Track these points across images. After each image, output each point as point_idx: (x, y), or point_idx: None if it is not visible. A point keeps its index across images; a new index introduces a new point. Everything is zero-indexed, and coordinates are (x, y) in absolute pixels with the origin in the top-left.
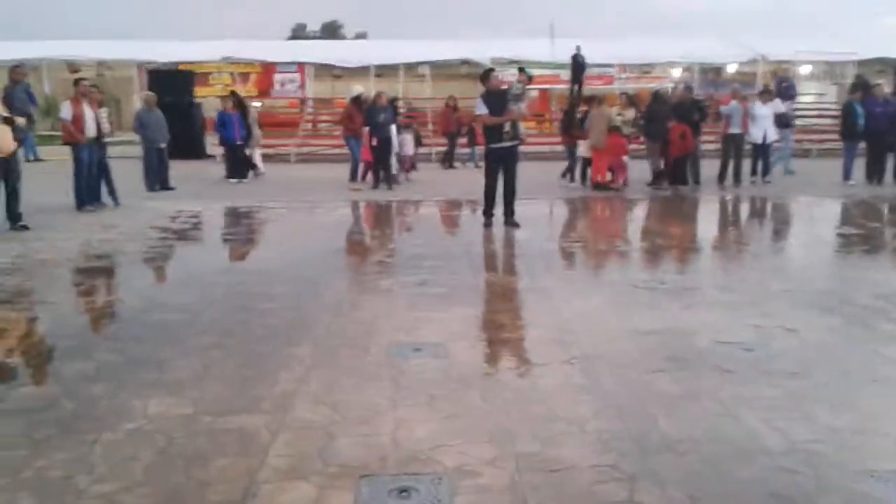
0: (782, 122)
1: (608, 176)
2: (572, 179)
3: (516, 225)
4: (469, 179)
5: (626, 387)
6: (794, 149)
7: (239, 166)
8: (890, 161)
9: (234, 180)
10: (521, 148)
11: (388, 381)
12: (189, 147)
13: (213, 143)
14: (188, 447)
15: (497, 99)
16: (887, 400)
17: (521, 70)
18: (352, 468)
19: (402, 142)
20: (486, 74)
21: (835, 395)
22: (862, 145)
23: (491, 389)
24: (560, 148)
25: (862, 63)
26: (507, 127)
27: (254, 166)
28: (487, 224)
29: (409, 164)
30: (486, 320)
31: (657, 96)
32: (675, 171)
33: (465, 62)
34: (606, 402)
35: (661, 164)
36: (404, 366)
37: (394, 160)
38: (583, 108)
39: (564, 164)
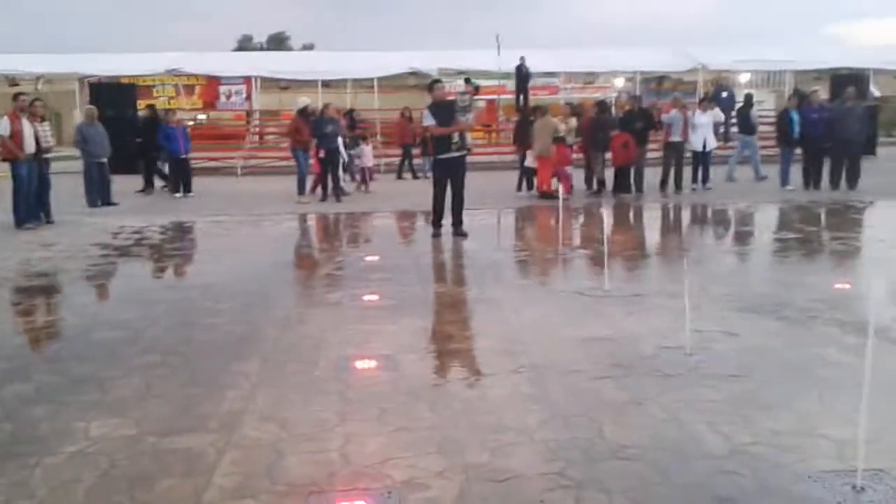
0: (747, 128)
1: (553, 185)
2: (519, 189)
3: (464, 234)
4: (421, 190)
5: (573, 395)
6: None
7: (185, 180)
8: (826, 166)
9: (179, 194)
10: (470, 158)
11: (336, 395)
12: (132, 161)
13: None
14: (132, 469)
15: (444, 110)
16: (825, 402)
17: (468, 81)
18: (300, 486)
19: (361, 153)
20: (431, 85)
21: (774, 397)
22: (799, 151)
23: (440, 401)
24: (510, 157)
25: (799, 71)
26: (455, 137)
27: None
28: (436, 234)
29: (368, 176)
30: (434, 331)
31: (602, 106)
32: (618, 180)
33: (413, 73)
34: (554, 411)
35: (604, 174)
36: (353, 380)
37: (340, 172)
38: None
39: (516, 174)
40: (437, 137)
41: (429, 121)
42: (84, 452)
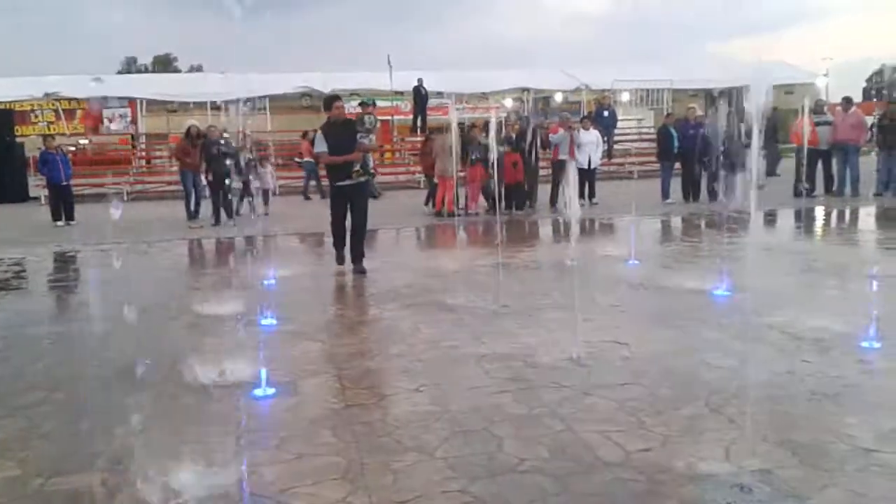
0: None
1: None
2: (426, 204)
3: (363, 271)
4: (320, 211)
5: (472, 411)
6: (618, 171)
7: (67, 208)
8: (703, 180)
9: (61, 223)
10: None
11: (234, 424)
12: (10, 189)
13: (35, 185)
14: None
15: (341, 130)
16: (711, 405)
17: (367, 102)
18: None
19: (263, 175)
20: (329, 102)
21: (664, 403)
22: (678, 165)
23: (341, 425)
24: (405, 178)
25: (677, 89)
26: (357, 165)
27: None
28: (340, 260)
29: (268, 198)
30: (334, 354)
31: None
32: (509, 198)
33: (307, 94)
34: (454, 428)
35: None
36: (252, 407)
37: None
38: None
39: (423, 193)
40: (333, 164)
41: (320, 147)
42: None
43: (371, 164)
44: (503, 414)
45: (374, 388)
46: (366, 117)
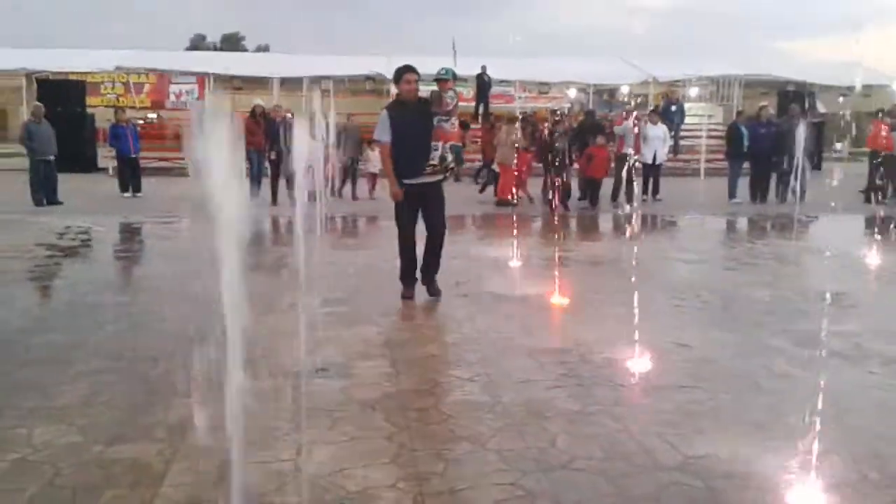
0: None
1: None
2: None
3: (438, 293)
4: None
5: (525, 404)
6: (684, 168)
7: (134, 180)
8: (773, 180)
9: (128, 194)
10: None
11: (288, 403)
12: (80, 160)
13: (104, 156)
14: (77, 478)
15: (412, 113)
16: (773, 411)
17: (445, 77)
18: (251, 496)
19: (368, 158)
20: (399, 74)
21: (724, 408)
22: (746, 165)
23: (394, 410)
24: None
25: (747, 85)
26: (436, 155)
27: None
28: (407, 294)
29: (374, 182)
30: (388, 338)
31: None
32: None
33: (370, 78)
34: (507, 420)
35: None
36: (305, 388)
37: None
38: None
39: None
40: (401, 154)
41: (382, 133)
42: (27, 460)
43: (449, 158)
44: (556, 409)
45: (427, 374)
46: (445, 94)
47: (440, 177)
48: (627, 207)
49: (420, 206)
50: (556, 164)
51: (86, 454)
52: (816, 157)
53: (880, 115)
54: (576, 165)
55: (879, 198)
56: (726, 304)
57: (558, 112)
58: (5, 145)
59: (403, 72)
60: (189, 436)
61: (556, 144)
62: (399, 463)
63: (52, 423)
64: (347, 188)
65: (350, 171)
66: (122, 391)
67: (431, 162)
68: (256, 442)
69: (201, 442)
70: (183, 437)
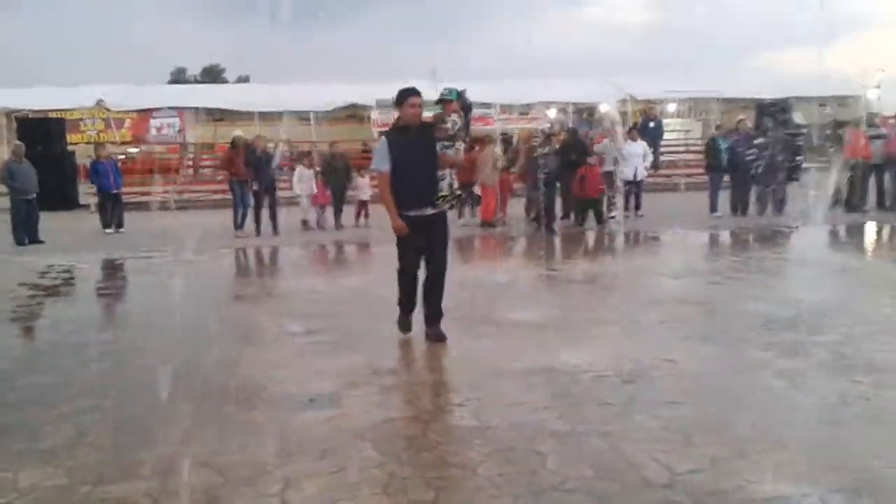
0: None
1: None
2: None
3: (443, 338)
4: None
5: (515, 427)
6: (664, 183)
7: (116, 216)
8: (752, 193)
9: (111, 230)
10: None
11: (275, 437)
12: (61, 197)
13: (85, 192)
14: None
15: (415, 139)
16: (760, 425)
17: (448, 98)
18: None
19: (358, 185)
20: (402, 96)
21: (711, 423)
22: (726, 178)
23: (383, 439)
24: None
25: (725, 100)
26: (444, 185)
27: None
28: (404, 325)
29: (362, 209)
30: (376, 366)
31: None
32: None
33: (352, 105)
34: (497, 444)
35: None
36: (294, 420)
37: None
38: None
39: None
40: (404, 184)
41: (381, 161)
42: None
43: (452, 182)
44: (547, 430)
45: (415, 401)
46: (448, 119)
47: (447, 206)
48: (613, 225)
49: (424, 240)
50: (545, 183)
51: (73, 496)
52: (796, 169)
53: (858, 125)
54: (557, 184)
55: (854, 205)
56: (711, 317)
57: (543, 132)
58: None
59: (407, 95)
60: (176, 473)
61: (541, 162)
62: (389, 492)
63: (38, 465)
64: (329, 215)
65: (338, 199)
66: (108, 430)
67: (441, 193)
68: (246, 478)
69: (189, 479)
70: (170, 475)
